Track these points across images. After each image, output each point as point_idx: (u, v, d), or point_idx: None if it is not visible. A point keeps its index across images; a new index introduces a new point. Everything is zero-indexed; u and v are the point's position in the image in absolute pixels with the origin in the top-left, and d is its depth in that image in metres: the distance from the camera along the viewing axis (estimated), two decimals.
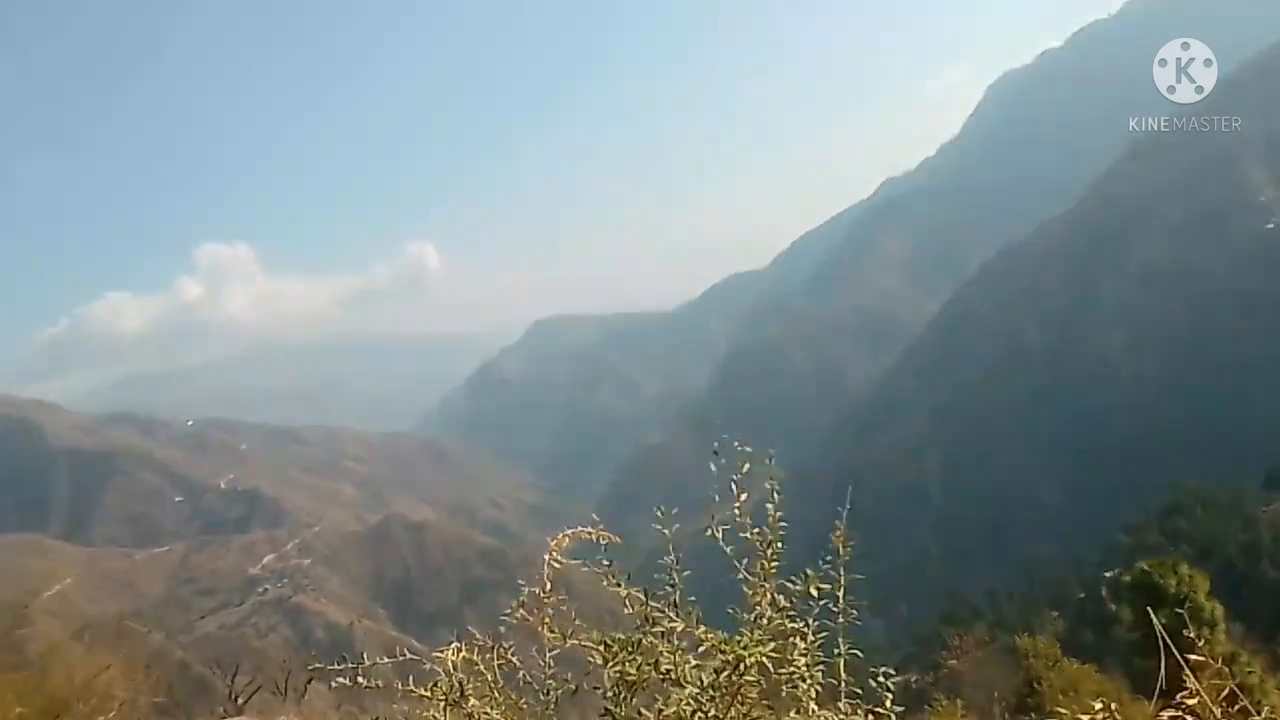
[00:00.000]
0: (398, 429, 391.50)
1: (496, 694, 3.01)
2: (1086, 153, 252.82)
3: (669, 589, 2.96)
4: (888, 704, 2.71)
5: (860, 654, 2.96)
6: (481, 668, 3.04)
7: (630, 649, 2.75)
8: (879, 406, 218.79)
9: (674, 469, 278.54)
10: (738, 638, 2.62)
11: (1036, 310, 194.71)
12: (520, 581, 3.20)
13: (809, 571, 2.94)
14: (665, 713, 2.62)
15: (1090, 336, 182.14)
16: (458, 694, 2.94)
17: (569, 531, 3.31)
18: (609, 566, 3.10)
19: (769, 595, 2.87)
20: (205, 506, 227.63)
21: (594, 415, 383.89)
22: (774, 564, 2.95)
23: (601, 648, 2.78)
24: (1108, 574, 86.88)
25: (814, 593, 2.90)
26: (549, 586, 3.12)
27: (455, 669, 3.02)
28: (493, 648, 3.12)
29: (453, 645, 3.08)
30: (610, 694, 2.74)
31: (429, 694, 2.95)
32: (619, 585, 3.01)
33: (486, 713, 2.94)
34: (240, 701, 22.26)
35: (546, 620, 3.09)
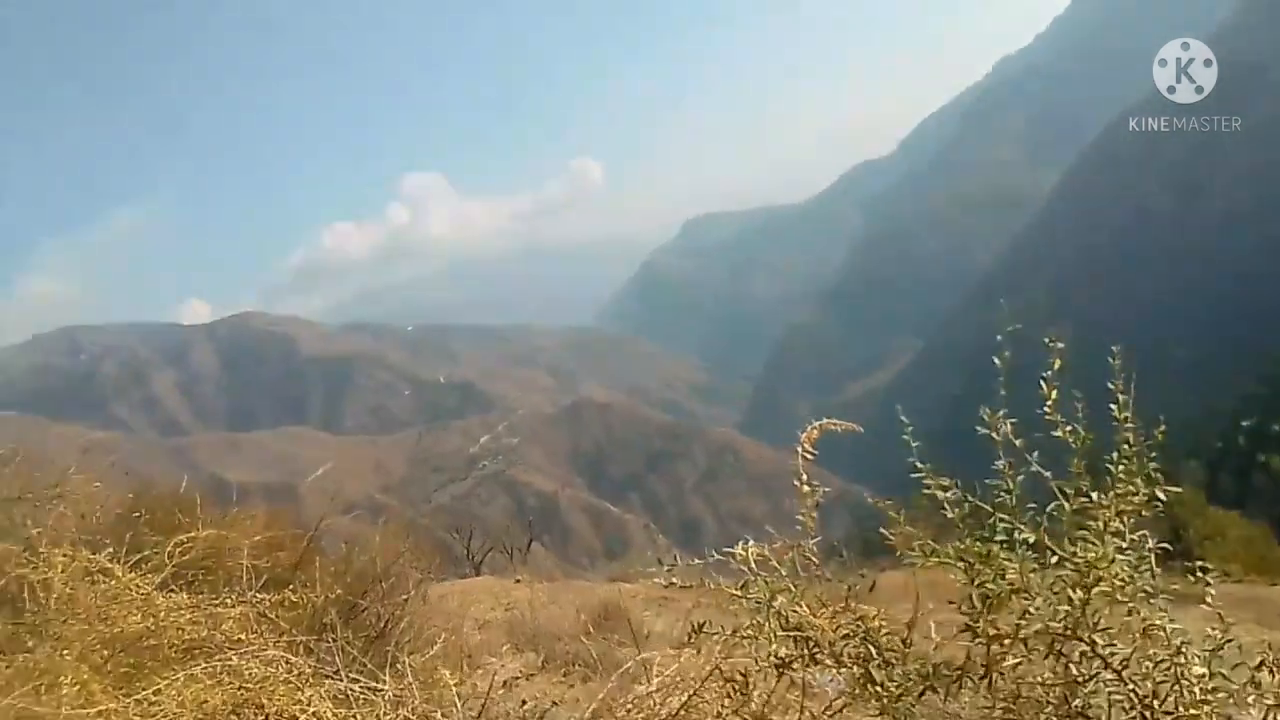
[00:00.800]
0: (579, 322, 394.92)
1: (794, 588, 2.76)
2: (1202, 19, 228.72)
3: (1005, 494, 2.53)
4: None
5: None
6: (777, 564, 2.83)
7: (984, 562, 2.43)
8: (1008, 277, 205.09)
9: (819, 345, 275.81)
10: (1092, 549, 2.33)
11: (1160, 174, 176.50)
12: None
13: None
14: (1025, 627, 2.34)
15: (1217, 197, 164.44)
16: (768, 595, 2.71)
17: (817, 424, 3.00)
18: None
19: (1114, 508, 2.43)
20: (429, 398, 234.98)
21: (745, 302, 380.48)
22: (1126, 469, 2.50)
23: (962, 564, 2.46)
24: (1245, 423, 78.77)
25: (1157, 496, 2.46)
26: (805, 478, 2.83)
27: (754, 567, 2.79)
28: (793, 546, 2.85)
29: (748, 543, 2.82)
30: (968, 609, 2.43)
31: (740, 593, 2.79)
32: (943, 486, 2.63)
33: (795, 609, 2.70)
34: (478, 561, 23.53)
35: (811, 516, 2.86)
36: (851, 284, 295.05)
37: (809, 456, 2.84)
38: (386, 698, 3.32)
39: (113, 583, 3.98)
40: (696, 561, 2.91)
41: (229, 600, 3.96)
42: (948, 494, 2.54)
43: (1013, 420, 2.73)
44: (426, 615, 4.52)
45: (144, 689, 3.45)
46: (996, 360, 2.98)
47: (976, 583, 2.39)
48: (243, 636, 3.64)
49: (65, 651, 3.53)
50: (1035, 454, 2.55)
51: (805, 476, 2.81)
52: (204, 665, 3.37)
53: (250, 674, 3.23)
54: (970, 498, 2.50)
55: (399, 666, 3.54)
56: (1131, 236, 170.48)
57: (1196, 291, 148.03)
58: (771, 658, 2.65)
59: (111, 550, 4.29)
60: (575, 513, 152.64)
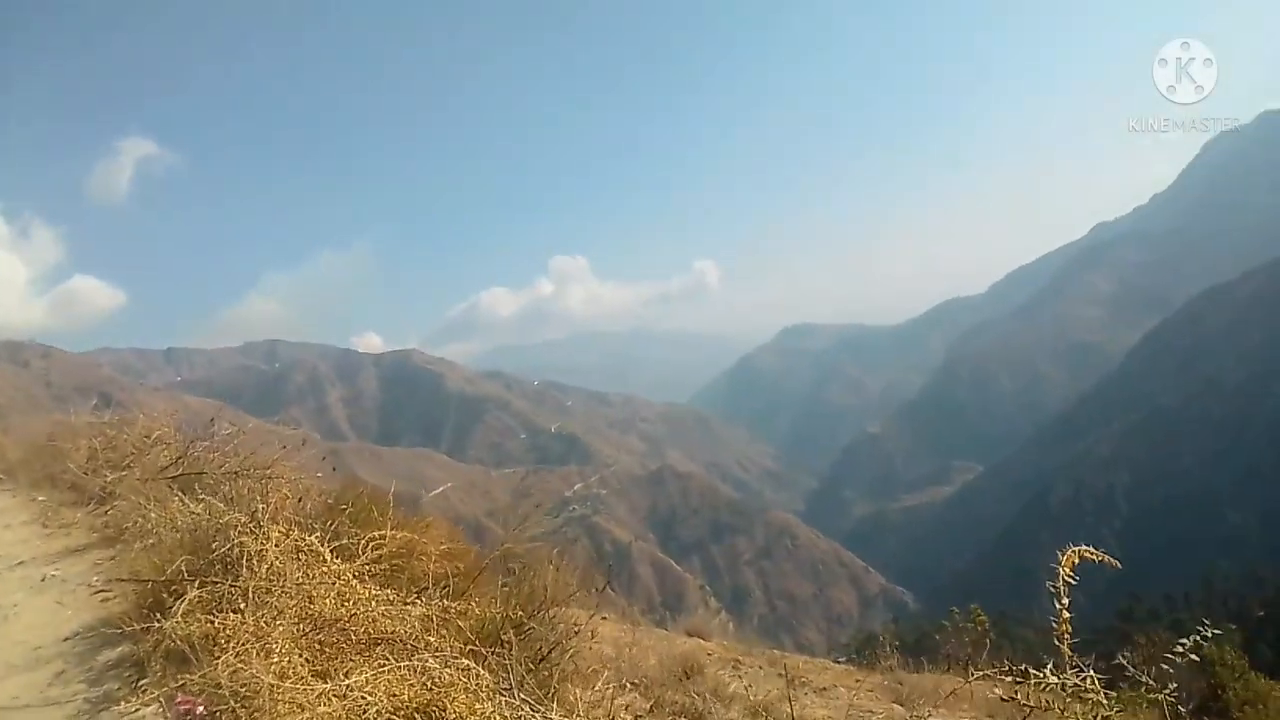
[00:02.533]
0: (676, 400, 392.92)
1: None
2: None
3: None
4: None
5: None
6: None
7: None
8: (1075, 423, 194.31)
9: (885, 454, 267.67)
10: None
11: (1236, 348, 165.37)
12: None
13: None
14: None
15: None
16: None
17: (1075, 549, 2.74)
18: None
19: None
20: (540, 443, 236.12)
21: (824, 405, 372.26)
22: None
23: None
24: None
25: None
26: (1064, 599, 2.58)
27: None
28: None
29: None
30: None
31: None
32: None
33: None
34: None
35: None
36: (924, 406, 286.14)
37: (1070, 581, 2.55)
38: None
39: (320, 565, 3.78)
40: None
41: (418, 600, 3.72)
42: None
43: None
44: (589, 648, 4.13)
45: (336, 670, 3.21)
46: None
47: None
48: (430, 638, 3.37)
49: (277, 620, 3.31)
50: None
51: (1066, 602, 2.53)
52: (401, 661, 3.09)
53: (439, 676, 2.93)
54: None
55: (569, 698, 3.20)
56: (1199, 402, 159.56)
57: (1256, 463, 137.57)
58: None
59: (318, 534, 4.11)
60: (643, 564, 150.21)
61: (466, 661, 3.03)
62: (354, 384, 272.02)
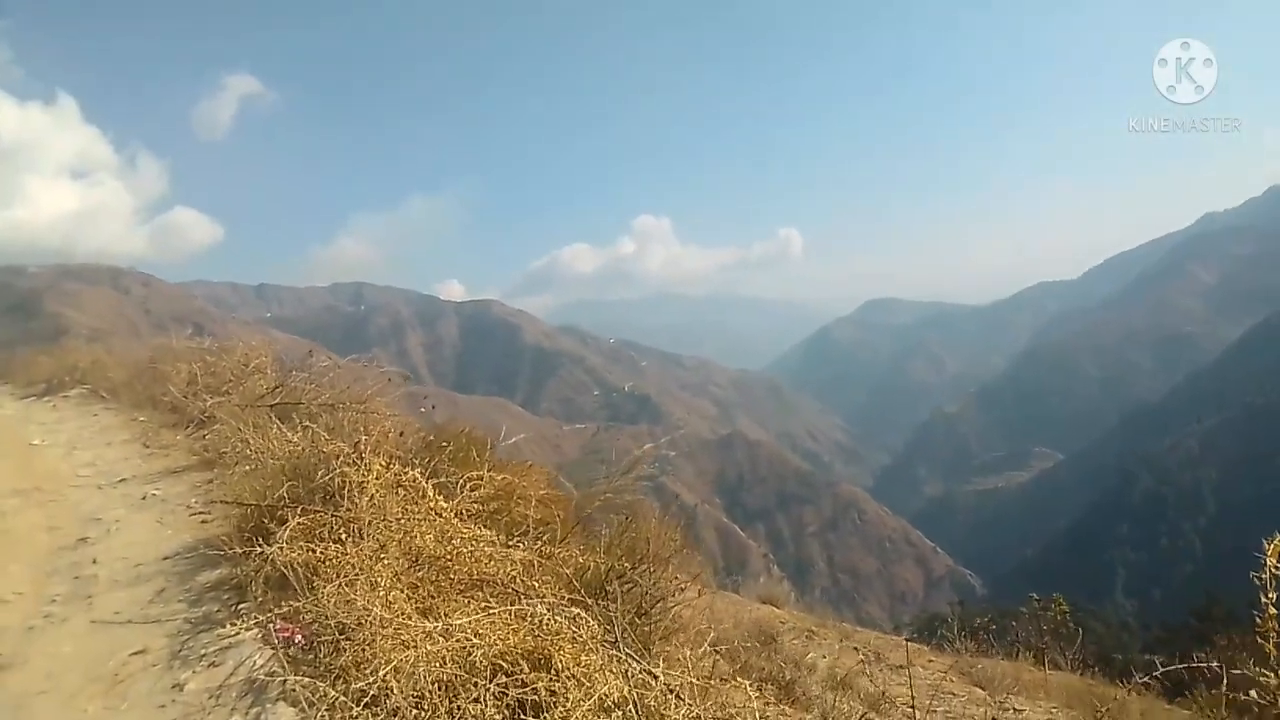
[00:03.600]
0: (750, 367, 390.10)
1: None
2: None
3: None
4: None
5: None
6: None
7: None
8: (1163, 415, 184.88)
9: (961, 436, 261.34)
10: None
11: None
12: None
13: None
14: None
15: None
16: None
17: None
18: None
19: None
20: (612, 402, 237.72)
21: (902, 382, 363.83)
22: None
23: None
24: None
25: None
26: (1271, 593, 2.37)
27: None
28: None
29: None
30: None
31: None
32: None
33: None
34: None
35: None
36: (1005, 388, 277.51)
37: (1277, 573, 2.37)
38: (660, 685, 2.81)
39: (423, 501, 3.69)
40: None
41: (519, 544, 3.61)
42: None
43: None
44: (693, 606, 3.97)
45: (437, 609, 3.11)
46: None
47: None
48: (533, 583, 3.26)
49: (381, 554, 3.23)
50: None
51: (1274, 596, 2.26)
52: (504, 605, 2.98)
53: (547, 623, 2.80)
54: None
55: (673, 655, 3.05)
56: None
57: None
58: None
59: (419, 470, 4.03)
60: (708, 528, 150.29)
61: (576, 610, 2.90)
62: (434, 330, 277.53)
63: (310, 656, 3.04)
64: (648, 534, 3.96)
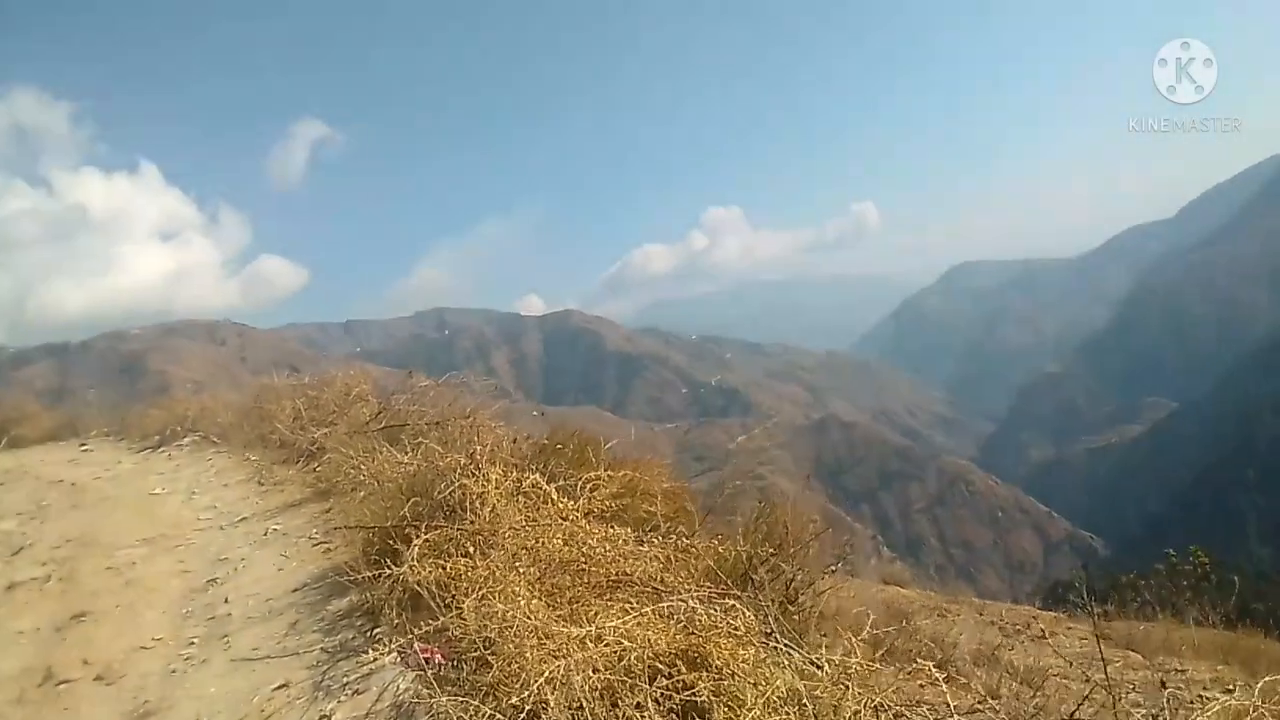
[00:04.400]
0: (837, 347, 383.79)
1: None
2: None
3: None
4: None
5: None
6: None
7: None
8: None
9: (1065, 394, 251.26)
10: None
11: None
12: None
13: None
14: None
15: None
16: None
17: None
18: None
19: None
20: (700, 397, 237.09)
21: (997, 347, 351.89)
22: None
23: None
24: None
25: None
26: None
27: None
28: None
29: None
30: None
31: None
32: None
33: None
34: None
35: None
36: (1108, 341, 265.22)
37: None
38: (826, 676, 2.60)
39: (546, 505, 3.57)
40: None
41: (651, 539, 3.45)
42: None
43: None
44: (841, 590, 3.74)
45: (578, 614, 2.97)
46: None
47: None
48: (670, 578, 3.09)
49: (515, 563, 3.11)
50: None
51: None
52: (646, 604, 2.82)
53: (699, 619, 2.63)
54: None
55: (830, 643, 2.84)
56: None
57: None
58: None
59: (536, 476, 3.92)
60: (812, 514, 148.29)
61: (731, 602, 2.72)
62: (518, 346, 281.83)
63: (454, 675, 2.94)
64: (785, 518, 3.75)
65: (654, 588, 3.03)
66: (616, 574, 3.14)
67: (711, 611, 2.66)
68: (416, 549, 3.39)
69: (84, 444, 11.77)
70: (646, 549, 3.30)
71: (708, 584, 3.17)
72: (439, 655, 3.13)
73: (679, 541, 3.43)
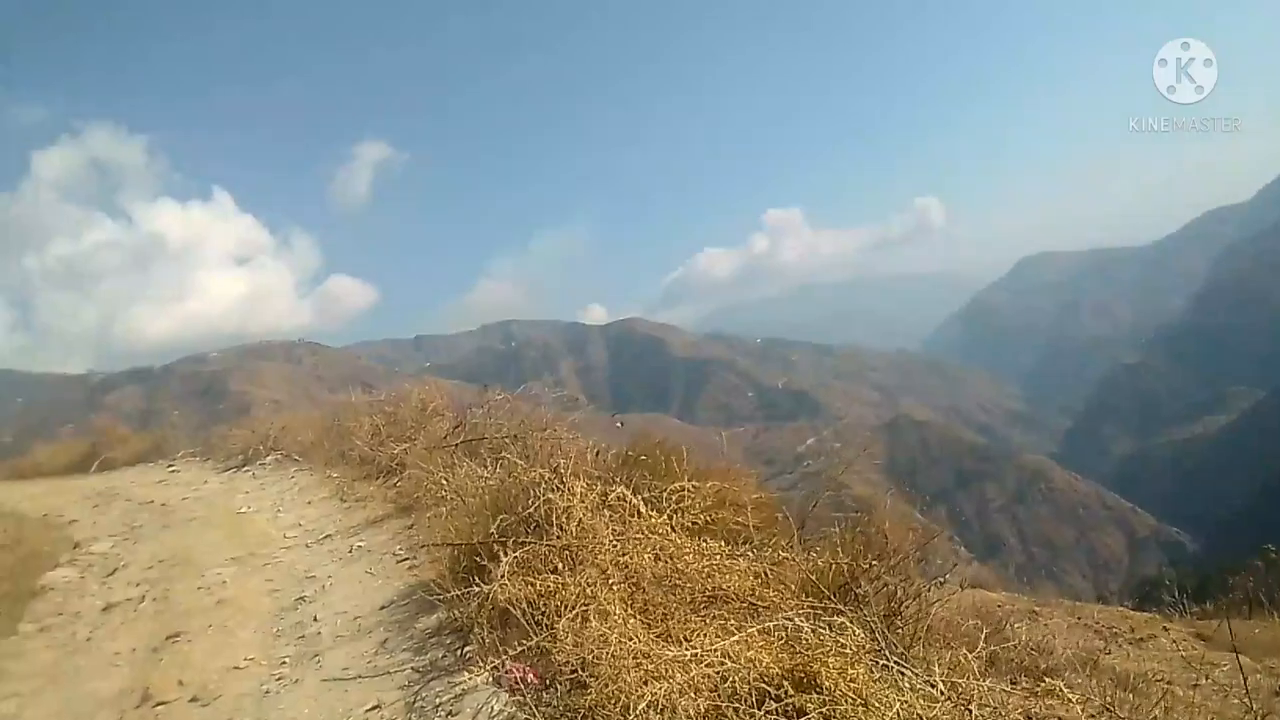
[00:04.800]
0: (906, 346, 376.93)
1: None
2: None
3: None
4: None
5: None
6: None
7: None
8: None
9: (1145, 386, 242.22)
10: None
11: None
12: None
13: None
14: None
15: None
16: None
17: None
18: None
19: None
20: (768, 401, 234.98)
21: (1071, 339, 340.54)
22: None
23: None
24: None
25: None
26: None
27: None
28: None
29: None
30: None
31: None
32: None
33: None
34: None
35: None
36: (1189, 329, 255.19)
37: None
38: (942, 697, 2.44)
39: (634, 519, 3.48)
40: None
41: (745, 552, 3.33)
42: None
43: None
44: (951, 604, 3.55)
45: (673, 632, 2.86)
46: None
47: None
48: (771, 594, 2.97)
49: (609, 579, 3.02)
50: None
51: None
52: (742, 620, 2.70)
53: (806, 637, 2.50)
54: None
55: (947, 658, 2.67)
56: None
57: None
58: None
59: (621, 488, 3.83)
60: (886, 517, 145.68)
61: (841, 619, 2.58)
62: (584, 355, 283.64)
63: (548, 697, 2.87)
64: (884, 528, 3.59)
65: (751, 603, 2.91)
66: (711, 590, 3.03)
67: (819, 628, 2.53)
68: (505, 567, 3.33)
69: (171, 465, 12.13)
70: (741, 563, 3.18)
71: (806, 599, 3.04)
72: (532, 675, 3.06)
73: (775, 554, 3.30)
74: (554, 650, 2.85)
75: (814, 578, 3.14)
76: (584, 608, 2.88)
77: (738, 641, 2.52)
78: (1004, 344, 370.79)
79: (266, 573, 6.04)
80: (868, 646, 2.54)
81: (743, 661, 2.44)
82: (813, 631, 2.51)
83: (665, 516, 3.56)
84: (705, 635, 2.64)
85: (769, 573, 3.16)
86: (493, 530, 3.83)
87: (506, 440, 6.04)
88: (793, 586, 3.12)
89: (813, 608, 2.87)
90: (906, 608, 3.12)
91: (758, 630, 2.56)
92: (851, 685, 2.36)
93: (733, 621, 2.77)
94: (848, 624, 2.57)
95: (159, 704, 4.21)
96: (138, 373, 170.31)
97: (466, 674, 3.34)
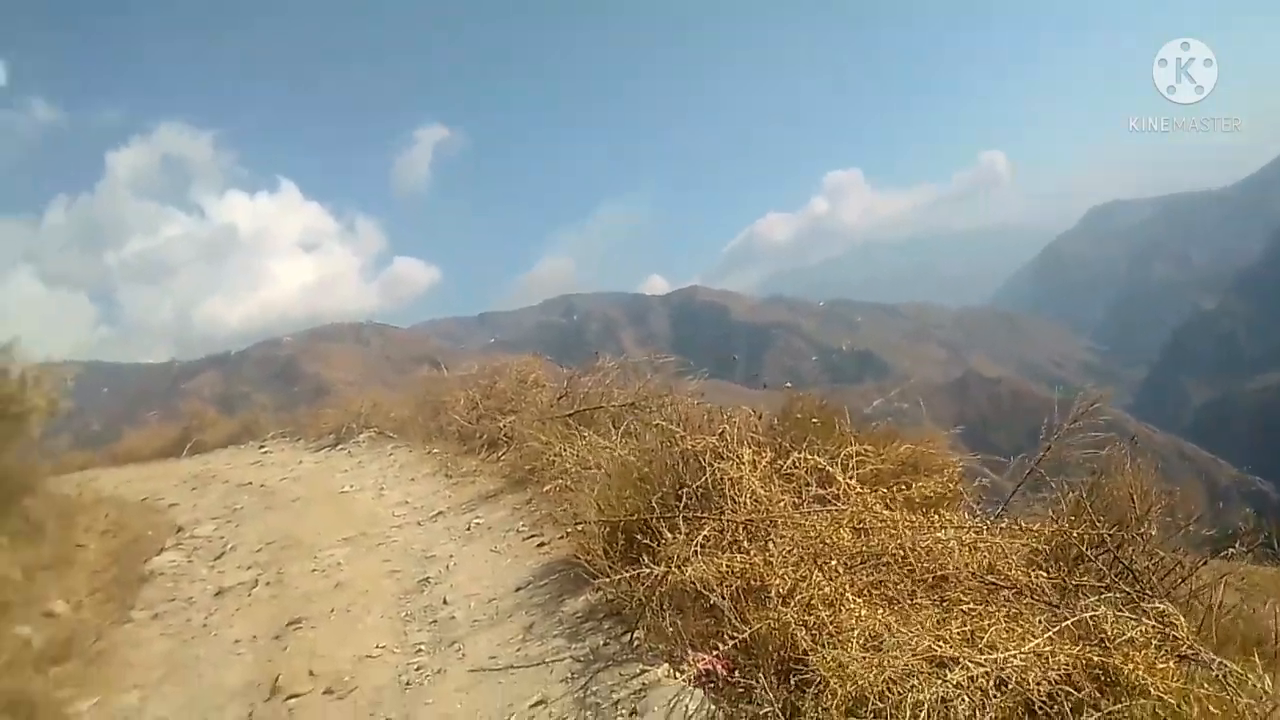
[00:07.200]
0: (975, 302, 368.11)
1: None
2: None
3: None
4: None
5: None
6: None
7: None
8: None
9: (1226, 332, 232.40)
10: None
11: None
12: None
13: None
14: None
15: None
16: None
17: None
18: None
19: None
20: (832, 363, 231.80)
21: (1146, 288, 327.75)
22: None
23: None
24: None
25: None
26: None
27: None
28: None
29: None
30: None
31: None
32: None
33: None
34: None
35: None
36: (1266, 272, 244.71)
37: None
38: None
39: (832, 486, 3.03)
40: None
41: (949, 522, 2.86)
42: None
43: None
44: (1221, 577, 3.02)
45: (905, 621, 2.42)
46: None
47: None
48: (1018, 574, 2.51)
49: (818, 559, 2.59)
50: None
51: None
52: (988, 604, 2.25)
53: (1109, 628, 2.03)
54: None
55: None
56: None
57: None
58: None
59: (798, 454, 3.39)
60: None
61: (1160, 604, 2.11)
62: (645, 325, 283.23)
63: (760, 694, 2.45)
64: (1129, 490, 3.08)
65: (994, 584, 2.46)
66: (938, 568, 2.58)
67: (1122, 617, 2.06)
68: (694, 543, 2.92)
69: (263, 446, 12.06)
70: (966, 535, 2.72)
71: (1043, 574, 2.57)
72: (721, 666, 2.67)
73: (1011, 525, 2.84)
74: (767, 638, 2.43)
75: (1057, 550, 2.67)
76: (793, 589, 2.46)
77: (1010, 631, 2.07)
78: (1076, 296, 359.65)
79: (381, 553, 5.77)
80: (1183, 636, 2.06)
81: (1028, 656, 1.98)
82: (1117, 621, 2.04)
83: (859, 485, 3.11)
84: (961, 622, 2.19)
85: (1002, 546, 2.69)
86: (652, 503, 3.43)
87: (623, 410, 5.65)
88: (1036, 559, 2.65)
89: (1062, 586, 2.39)
90: (1177, 586, 2.64)
91: (1046, 623, 2.10)
92: (1164, 684, 1.89)
93: (968, 604, 2.31)
94: (1170, 611, 2.09)
95: (291, 696, 3.93)
96: (215, 359, 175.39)
97: (640, 664, 2.96)
